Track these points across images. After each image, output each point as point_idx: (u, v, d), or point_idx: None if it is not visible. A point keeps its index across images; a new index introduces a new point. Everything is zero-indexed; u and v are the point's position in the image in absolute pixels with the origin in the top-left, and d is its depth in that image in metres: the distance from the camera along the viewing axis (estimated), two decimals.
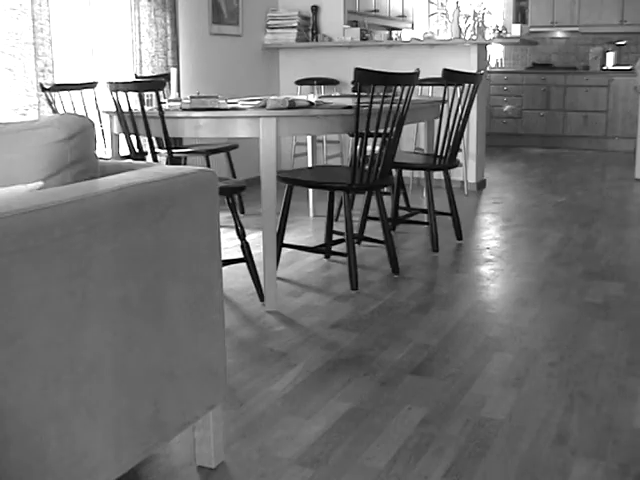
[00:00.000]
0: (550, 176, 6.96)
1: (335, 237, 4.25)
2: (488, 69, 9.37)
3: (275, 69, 6.82)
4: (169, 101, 3.50)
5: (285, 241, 4.30)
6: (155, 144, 3.61)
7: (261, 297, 3.25)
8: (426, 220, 4.17)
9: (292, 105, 3.21)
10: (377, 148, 5.05)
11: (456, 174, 6.23)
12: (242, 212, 5.19)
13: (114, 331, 1.45)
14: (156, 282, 1.56)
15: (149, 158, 3.48)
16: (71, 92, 4.06)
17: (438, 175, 6.20)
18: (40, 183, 1.44)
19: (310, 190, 5.11)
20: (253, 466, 1.90)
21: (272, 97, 3.38)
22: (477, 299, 3.26)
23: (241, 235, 3.21)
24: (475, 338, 2.79)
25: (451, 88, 5.45)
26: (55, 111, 3.81)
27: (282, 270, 3.76)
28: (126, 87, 3.32)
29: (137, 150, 3.45)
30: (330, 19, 6.73)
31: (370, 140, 5.17)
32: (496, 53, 9.81)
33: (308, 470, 1.88)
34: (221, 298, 1.80)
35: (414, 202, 5.51)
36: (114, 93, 3.37)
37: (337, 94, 4.77)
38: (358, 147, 3.29)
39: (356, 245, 4.27)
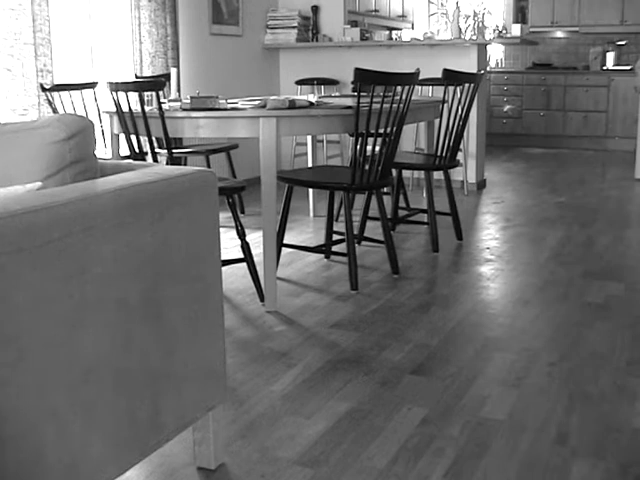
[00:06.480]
0: (550, 176, 6.95)
1: (335, 237, 4.25)
2: (488, 69, 9.37)
3: (275, 69, 6.82)
4: (169, 101, 3.50)
5: (285, 241, 4.30)
6: (155, 144, 3.61)
7: (261, 297, 3.25)
8: (426, 220, 4.17)
9: (292, 105, 3.21)
10: (377, 148, 5.05)
11: (456, 174, 6.23)
12: (242, 212, 5.19)
13: (113, 332, 1.45)
14: (155, 282, 1.56)
15: (149, 158, 3.48)
16: (71, 92, 4.06)
17: (438, 175, 6.20)
18: (39, 183, 1.44)
19: (310, 190, 5.11)
20: (253, 466, 1.90)
21: (272, 97, 3.37)
22: (477, 299, 3.26)
23: (241, 235, 3.21)
24: (475, 338, 2.79)
25: (451, 88, 5.45)
26: (55, 111, 3.81)
27: (282, 270, 3.76)
28: (126, 87, 3.31)
29: (137, 150, 3.45)
30: (330, 19, 6.73)
31: (370, 140, 5.17)
32: (496, 53, 9.81)
33: (308, 470, 1.88)
34: (221, 298, 1.80)
35: (414, 202, 5.51)
36: (114, 93, 3.37)
37: (337, 94, 4.76)
38: (358, 147, 3.29)
39: (356, 245, 4.27)
